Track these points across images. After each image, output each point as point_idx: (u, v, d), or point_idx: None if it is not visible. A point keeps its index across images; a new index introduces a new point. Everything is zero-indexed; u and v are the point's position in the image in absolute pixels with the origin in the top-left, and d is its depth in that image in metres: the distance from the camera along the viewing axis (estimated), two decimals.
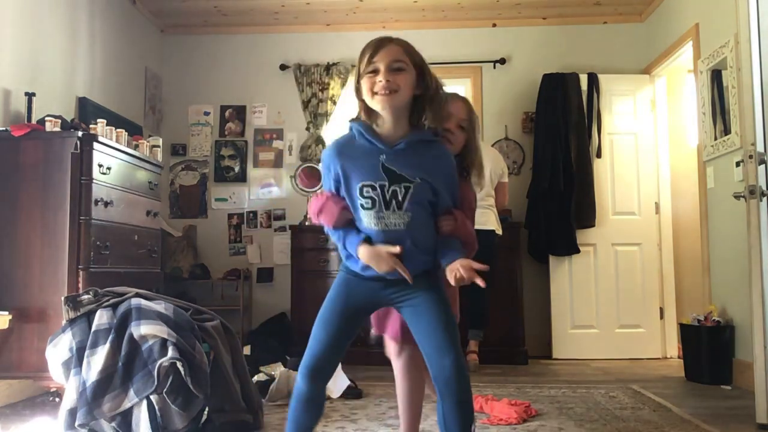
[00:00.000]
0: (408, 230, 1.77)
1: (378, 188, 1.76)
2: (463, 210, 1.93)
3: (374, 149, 1.78)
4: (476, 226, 4.71)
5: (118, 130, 3.69)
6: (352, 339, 1.88)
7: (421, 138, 1.80)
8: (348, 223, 1.83)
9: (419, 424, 2.27)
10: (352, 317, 1.85)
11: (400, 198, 1.75)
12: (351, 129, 1.84)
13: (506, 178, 4.57)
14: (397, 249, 1.75)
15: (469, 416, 1.74)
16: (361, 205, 1.78)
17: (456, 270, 1.74)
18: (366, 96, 1.78)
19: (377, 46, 1.78)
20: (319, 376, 1.82)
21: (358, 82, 1.81)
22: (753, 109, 2.81)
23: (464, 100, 2.24)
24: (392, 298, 1.84)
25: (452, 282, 1.76)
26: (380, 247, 1.77)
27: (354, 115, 1.86)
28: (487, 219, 4.36)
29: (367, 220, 1.78)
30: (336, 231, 1.85)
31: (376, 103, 1.76)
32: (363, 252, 1.78)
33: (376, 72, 1.76)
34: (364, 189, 1.77)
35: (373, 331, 2.21)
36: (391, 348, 2.25)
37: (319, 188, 5.36)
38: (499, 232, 4.43)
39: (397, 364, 2.24)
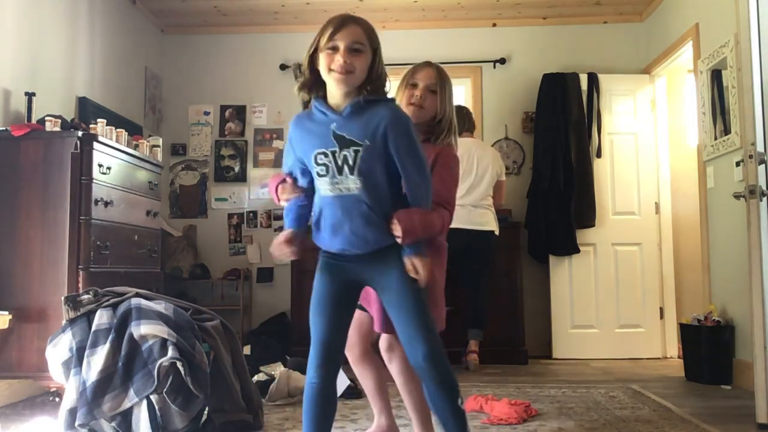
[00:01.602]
0: (362, 194, 1.78)
1: (330, 154, 1.80)
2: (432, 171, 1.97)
3: (326, 119, 1.83)
4: (475, 227, 4.71)
5: (118, 130, 3.69)
6: (350, 322, 1.91)
7: (366, 97, 1.82)
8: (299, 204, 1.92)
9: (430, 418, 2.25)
10: (341, 298, 1.87)
11: (350, 162, 1.78)
12: (310, 104, 1.89)
13: (504, 177, 4.57)
14: (287, 235, 1.88)
15: (450, 393, 1.80)
16: (317, 173, 1.82)
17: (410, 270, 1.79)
18: (323, 71, 1.82)
19: (340, 24, 1.83)
20: (329, 365, 1.83)
21: (314, 53, 1.84)
22: (753, 109, 2.81)
23: (433, 65, 2.28)
24: (367, 274, 1.85)
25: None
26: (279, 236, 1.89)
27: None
28: (487, 219, 4.36)
29: (323, 187, 1.82)
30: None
31: (331, 80, 1.81)
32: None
33: (335, 49, 1.80)
34: (318, 156, 1.82)
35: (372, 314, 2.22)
36: (382, 352, 2.27)
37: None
38: (497, 232, 4.43)
39: (392, 368, 2.25)
